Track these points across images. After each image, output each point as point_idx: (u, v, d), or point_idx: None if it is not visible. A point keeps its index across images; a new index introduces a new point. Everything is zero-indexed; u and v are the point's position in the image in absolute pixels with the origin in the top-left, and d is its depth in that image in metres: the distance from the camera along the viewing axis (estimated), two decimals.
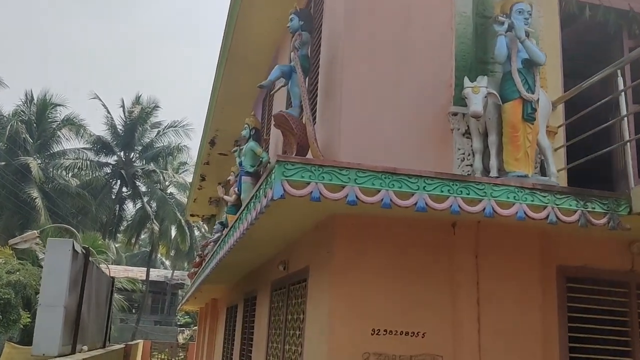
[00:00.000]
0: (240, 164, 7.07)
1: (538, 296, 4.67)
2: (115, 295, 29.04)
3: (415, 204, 3.84)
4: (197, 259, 13.40)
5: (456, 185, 3.95)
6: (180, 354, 26.47)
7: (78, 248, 6.06)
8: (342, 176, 3.75)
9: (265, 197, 3.93)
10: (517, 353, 4.53)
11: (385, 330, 4.42)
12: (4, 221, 28.21)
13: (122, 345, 12.48)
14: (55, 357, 5.06)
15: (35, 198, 27.50)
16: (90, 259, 6.86)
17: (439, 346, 4.48)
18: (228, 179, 8.98)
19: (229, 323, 10.81)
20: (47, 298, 5.59)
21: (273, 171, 3.78)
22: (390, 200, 3.80)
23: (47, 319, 5.52)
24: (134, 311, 45.81)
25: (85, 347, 7.00)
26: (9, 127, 29.09)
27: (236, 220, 5.47)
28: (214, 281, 10.42)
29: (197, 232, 40.88)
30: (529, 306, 4.64)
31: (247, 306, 8.85)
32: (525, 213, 4.03)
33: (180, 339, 36.65)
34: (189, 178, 31.41)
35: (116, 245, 41.94)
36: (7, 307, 14.63)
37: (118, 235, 40.92)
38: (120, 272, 36.56)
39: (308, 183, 3.71)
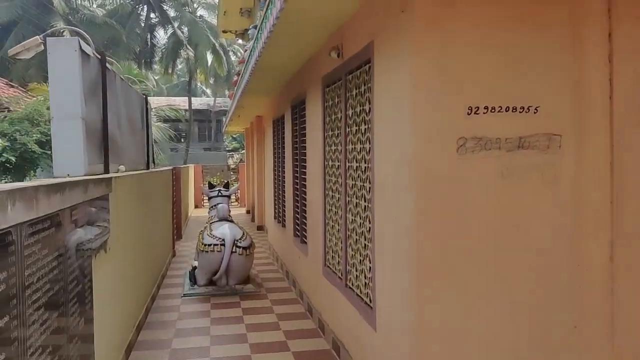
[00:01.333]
0: None
1: None
2: (161, 124, 29.03)
3: None
4: (235, 78, 12.47)
5: None
6: (232, 176, 26.83)
7: (88, 50, 4.99)
8: None
9: None
10: None
11: (486, 107, 3.33)
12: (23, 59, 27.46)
13: (169, 167, 12.10)
14: (84, 176, 4.25)
15: (63, 31, 26.32)
16: (109, 66, 5.85)
17: (557, 122, 3.40)
18: None
19: (277, 137, 10.04)
20: (60, 110, 4.67)
21: None
22: None
23: (64, 134, 4.67)
24: (182, 140, 47.07)
25: (122, 167, 6.28)
26: None
27: None
28: (254, 91, 9.43)
29: (233, 57, 39.89)
30: None
31: (294, 114, 7.90)
32: None
33: (230, 162, 37.18)
34: None
35: (155, 78, 41.59)
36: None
37: (154, 66, 40.48)
38: (163, 102, 36.55)
39: None
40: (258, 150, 15.26)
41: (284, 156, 9.10)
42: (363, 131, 4.40)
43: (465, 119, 3.31)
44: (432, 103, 3.29)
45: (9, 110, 21.23)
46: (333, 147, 5.46)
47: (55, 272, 2.89)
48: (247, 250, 7.86)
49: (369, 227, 4.27)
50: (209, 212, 9.42)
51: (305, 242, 7.18)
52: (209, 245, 7.71)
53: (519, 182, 3.37)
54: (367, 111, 4.27)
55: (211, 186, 9.75)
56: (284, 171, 9.15)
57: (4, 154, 20.01)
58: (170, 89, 51.79)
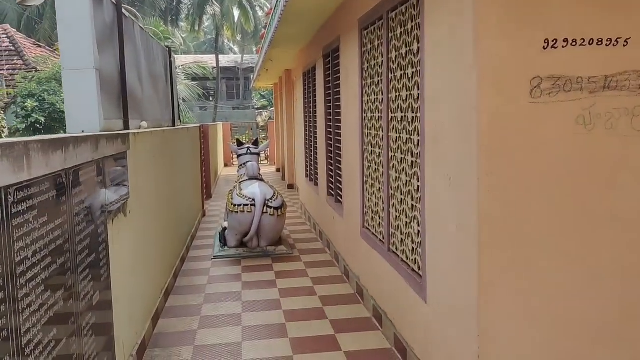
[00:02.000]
0: None
1: None
2: (189, 82, 28.63)
3: None
4: (263, 31, 11.89)
5: None
6: (261, 134, 26.43)
7: None
8: None
9: None
10: None
11: (566, 40, 2.74)
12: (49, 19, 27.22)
13: (197, 125, 11.69)
14: (101, 133, 3.82)
15: None
16: (126, 13, 5.35)
17: None
18: None
19: (308, 90, 9.48)
20: (70, 60, 4.22)
21: None
22: None
23: (76, 87, 4.24)
24: (210, 99, 46.80)
25: (144, 124, 5.86)
26: None
27: None
28: (283, 41, 8.87)
29: (260, 12, 39.06)
30: None
31: (327, 64, 7.33)
32: None
33: (259, 120, 36.75)
34: None
35: (182, 36, 41.10)
36: None
37: (181, 23, 40.00)
38: (190, 60, 36.12)
39: None
40: (287, 106, 14.73)
41: (316, 110, 8.57)
42: (410, 75, 3.84)
43: (541, 55, 2.73)
44: (500, 35, 2.72)
45: (36, 70, 21.07)
46: (372, 97, 4.91)
47: (59, 242, 2.48)
48: (279, 211, 7.44)
49: (417, 186, 3.76)
50: (238, 171, 8.99)
51: (341, 202, 6.72)
52: (239, 205, 7.31)
53: (604, 131, 2.80)
54: (415, 52, 3.71)
55: (240, 144, 9.27)
56: (316, 126, 8.64)
57: (33, 115, 19.89)
58: (198, 47, 51.31)
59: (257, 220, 7.27)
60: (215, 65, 40.20)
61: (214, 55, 41.84)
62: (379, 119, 4.72)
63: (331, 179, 7.44)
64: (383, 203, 4.64)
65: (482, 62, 2.73)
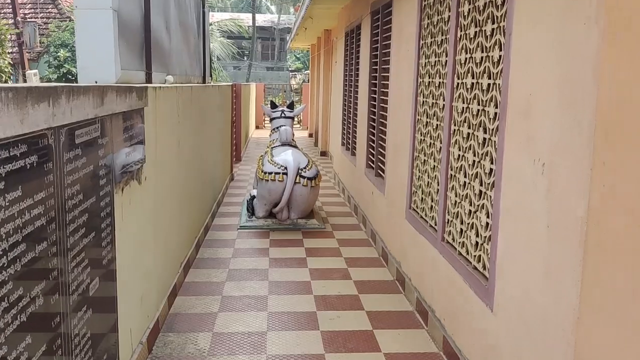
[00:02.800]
0: None
1: None
2: (224, 40, 27.97)
3: None
4: None
5: None
6: (295, 97, 25.73)
7: None
8: None
9: None
10: None
11: None
12: None
13: (228, 83, 11.05)
14: (117, 84, 3.22)
15: None
16: None
17: None
18: None
19: (350, 51, 8.74)
20: None
21: None
22: None
23: (90, 29, 3.63)
24: (245, 58, 46.14)
25: (170, 78, 5.26)
26: None
27: None
28: None
29: None
30: None
31: (375, 21, 6.59)
32: None
33: (293, 82, 36.00)
34: None
35: None
36: None
37: None
38: (226, 17, 35.36)
39: None
40: (325, 68, 13.97)
41: (358, 73, 7.85)
42: (489, 33, 3.12)
43: None
44: None
45: (70, 20, 20.60)
46: (432, 59, 4.20)
47: (39, 222, 1.90)
48: (313, 181, 6.82)
49: (490, 169, 3.08)
50: (270, 135, 8.36)
51: (382, 176, 6.07)
52: (270, 173, 6.72)
53: None
54: (500, 2, 2.98)
55: (273, 105, 8.63)
56: (357, 91, 7.93)
57: (65, 65, 19.46)
58: (234, 5, 50.41)
59: (289, 190, 6.68)
60: (251, 24, 39.34)
61: (251, 14, 40.94)
62: (439, 86, 4.01)
63: (372, 150, 6.77)
64: (438, 184, 3.98)
65: (606, 13, 2.01)
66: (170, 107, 4.55)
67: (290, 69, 52.07)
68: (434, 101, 4.13)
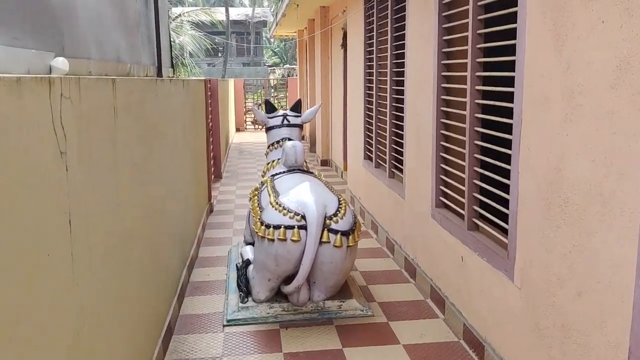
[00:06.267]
0: None
1: None
2: (195, 33, 24.82)
3: None
4: None
5: None
6: (275, 93, 22.79)
7: None
8: None
9: None
10: None
11: None
12: None
13: (200, 78, 8.10)
14: None
15: None
16: None
17: None
18: None
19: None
20: None
21: None
22: None
23: None
24: (219, 54, 43.09)
25: (60, 62, 2.31)
26: None
27: None
28: None
29: None
30: None
31: None
32: None
33: (271, 77, 32.88)
34: None
35: None
36: None
37: None
38: (199, 12, 32.39)
39: None
40: (323, 55, 11.06)
41: (401, 58, 5.01)
42: None
43: None
44: None
45: None
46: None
47: None
48: (349, 238, 3.94)
49: None
50: (267, 154, 5.36)
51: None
52: (276, 228, 3.82)
53: None
54: None
55: (270, 108, 5.53)
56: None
57: None
58: (206, 0, 47.27)
59: (311, 255, 3.80)
60: (224, 19, 36.32)
61: (224, 8, 37.93)
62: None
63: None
64: None
65: None
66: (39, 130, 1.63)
67: (267, 64, 49.22)
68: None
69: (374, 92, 6.07)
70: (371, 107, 6.25)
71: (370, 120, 6.29)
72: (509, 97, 2.96)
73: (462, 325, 3.67)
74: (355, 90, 7.18)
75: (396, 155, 5.39)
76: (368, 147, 6.51)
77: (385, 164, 5.68)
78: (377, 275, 4.93)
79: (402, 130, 5.06)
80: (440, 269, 4.13)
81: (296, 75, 19.49)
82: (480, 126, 3.46)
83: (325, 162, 11.42)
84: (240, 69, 41.31)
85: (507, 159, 3.01)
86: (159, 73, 5.10)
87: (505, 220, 3.07)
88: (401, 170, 5.17)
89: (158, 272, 3.59)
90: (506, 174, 3.03)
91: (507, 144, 2.99)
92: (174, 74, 6.41)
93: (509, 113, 2.95)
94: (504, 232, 3.10)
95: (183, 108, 5.40)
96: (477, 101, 3.42)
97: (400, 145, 5.19)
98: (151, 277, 3.35)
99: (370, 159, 6.40)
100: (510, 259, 2.96)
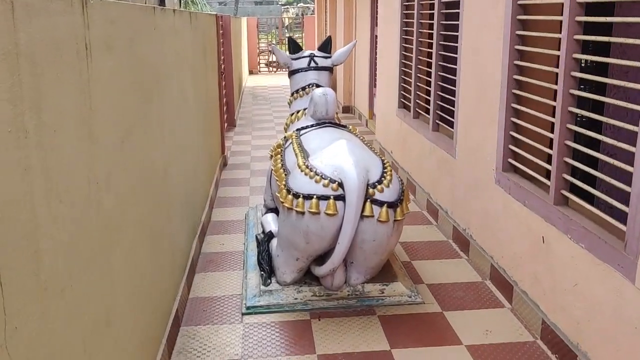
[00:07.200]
0: None
1: None
2: None
3: None
4: None
5: None
6: (289, 34, 21.59)
7: None
8: None
9: None
10: None
11: None
12: None
13: (211, 13, 7.19)
14: None
15: None
16: None
17: None
18: None
19: None
20: None
21: None
22: None
23: None
24: None
25: None
26: None
27: None
28: None
29: None
30: None
31: None
32: None
33: (285, 19, 31.56)
34: None
35: None
36: None
37: None
38: None
39: None
40: None
41: None
42: None
43: None
44: None
45: None
46: None
47: None
48: (396, 211, 3.17)
49: None
50: (289, 102, 4.54)
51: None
52: (307, 198, 3.06)
53: None
54: None
55: (294, 46, 4.55)
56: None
57: None
58: None
59: (351, 231, 3.05)
60: None
61: None
62: None
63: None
64: None
65: None
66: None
67: (280, 2, 47.55)
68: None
69: (414, 29, 5.17)
70: (410, 46, 5.36)
71: (408, 63, 5.41)
72: (623, 29, 2.12)
73: (540, 322, 2.95)
74: (388, 27, 6.26)
75: (443, 104, 4.56)
76: (404, 93, 5.65)
77: (429, 114, 4.84)
78: (421, 247, 4.20)
79: (454, 75, 4.21)
80: (507, 248, 3.37)
81: (313, 14, 18.30)
82: (579, 70, 2.62)
83: (347, 109, 10.55)
84: (253, 8, 39.92)
85: (618, 112, 2.21)
86: (162, 2, 4.24)
87: (618, 198, 2.29)
88: (450, 123, 4.35)
89: (161, 252, 2.86)
90: (612, 133, 2.23)
91: (618, 93, 2.17)
92: (180, 5, 5.52)
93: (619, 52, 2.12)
94: (607, 210, 2.33)
95: (192, 47, 4.56)
96: (576, 37, 2.57)
97: (450, 92, 4.35)
98: (152, 260, 2.63)
99: (407, 107, 5.56)
100: (629, 252, 2.20)
